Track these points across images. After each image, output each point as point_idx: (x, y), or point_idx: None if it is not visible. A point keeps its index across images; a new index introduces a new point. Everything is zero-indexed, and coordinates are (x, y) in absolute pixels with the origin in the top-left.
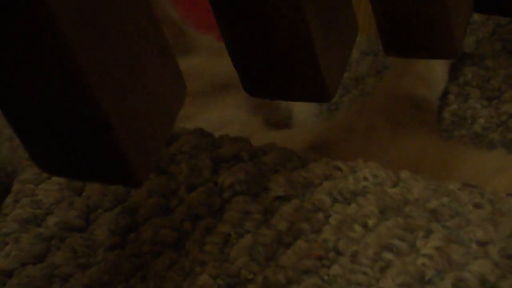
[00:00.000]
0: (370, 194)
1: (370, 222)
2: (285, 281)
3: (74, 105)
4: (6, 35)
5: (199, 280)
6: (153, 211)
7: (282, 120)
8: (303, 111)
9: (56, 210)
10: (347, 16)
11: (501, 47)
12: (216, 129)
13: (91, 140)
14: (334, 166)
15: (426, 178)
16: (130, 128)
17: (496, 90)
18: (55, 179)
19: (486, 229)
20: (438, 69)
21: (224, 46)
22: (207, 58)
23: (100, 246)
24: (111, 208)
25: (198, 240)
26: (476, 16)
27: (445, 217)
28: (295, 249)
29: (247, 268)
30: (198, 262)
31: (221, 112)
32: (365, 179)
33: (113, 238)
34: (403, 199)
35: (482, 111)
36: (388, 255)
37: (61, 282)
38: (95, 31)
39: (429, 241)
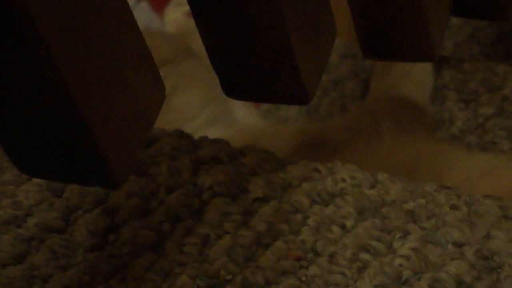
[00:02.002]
0: (348, 196)
1: (348, 223)
2: (264, 282)
3: (53, 107)
4: None
5: (178, 281)
6: (132, 212)
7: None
8: (240, 107)
9: (36, 212)
10: (325, 19)
11: (478, 51)
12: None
13: (70, 142)
14: (313, 167)
15: (404, 179)
16: (109, 130)
17: (473, 93)
18: (35, 180)
19: (462, 230)
20: (428, 70)
21: None
22: None
23: (80, 247)
24: (91, 210)
25: (178, 241)
26: (454, 20)
27: (422, 218)
28: (273, 250)
29: (226, 269)
30: (177, 263)
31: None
32: (343, 180)
33: (93, 240)
34: (380, 201)
35: (459, 113)
36: (365, 256)
37: (41, 283)
38: (74, 34)
39: (406, 242)
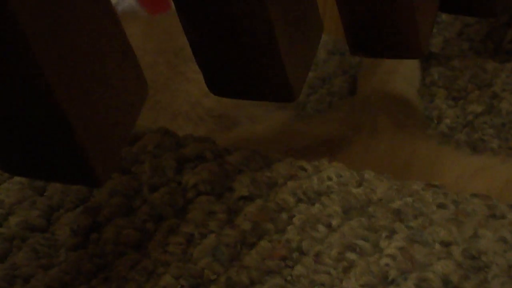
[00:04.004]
0: (334, 194)
1: (334, 222)
2: (249, 281)
3: (34, 104)
4: None
5: (162, 281)
6: (115, 211)
7: None
8: None
9: (18, 210)
10: (311, 15)
11: (468, 47)
12: None
13: (52, 140)
14: (299, 166)
15: (390, 178)
16: (91, 127)
17: (462, 90)
18: (16, 179)
19: (450, 229)
20: (415, 66)
21: None
22: None
23: (62, 246)
24: (73, 208)
25: (161, 240)
26: (444, 16)
27: (409, 217)
28: (258, 249)
29: (210, 268)
30: (161, 262)
31: None
32: (329, 179)
33: (75, 238)
34: (366, 199)
35: (448, 111)
36: (351, 255)
37: (23, 282)
38: (55, 31)
39: (393, 241)
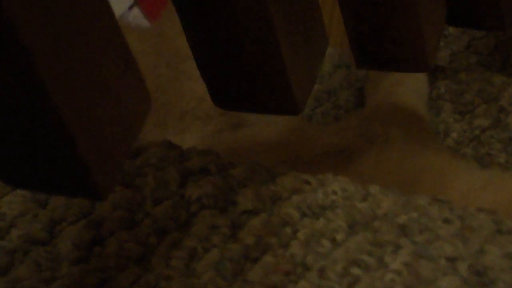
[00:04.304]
0: (339, 209)
1: (339, 237)
2: None
3: (37, 117)
4: None
5: None
6: (118, 224)
7: None
8: None
9: (20, 223)
10: (317, 28)
11: (475, 61)
12: None
13: (54, 152)
14: (303, 179)
15: (396, 192)
16: (93, 140)
17: (469, 104)
18: (19, 191)
19: (455, 244)
20: (423, 79)
21: None
22: None
23: (64, 260)
24: (76, 222)
25: (164, 254)
26: (451, 30)
27: (414, 232)
28: (262, 264)
29: (213, 283)
30: (163, 277)
31: None
32: (334, 193)
33: (78, 252)
34: (372, 214)
35: (455, 125)
36: (356, 271)
37: None
38: (57, 44)
39: (398, 256)
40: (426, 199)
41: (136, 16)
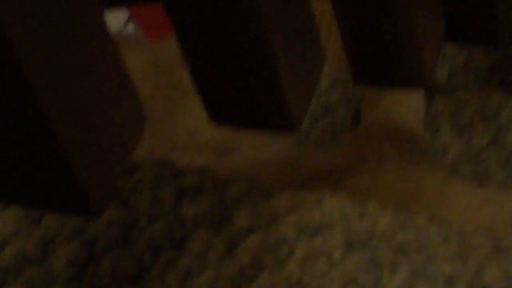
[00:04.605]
0: (336, 227)
1: (336, 256)
2: None
3: (31, 134)
4: None
5: None
6: (112, 242)
7: None
8: None
9: (13, 241)
10: (313, 45)
11: (473, 78)
12: None
13: (48, 170)
14: (300, 197)
15: (394, 210)
16: (88, 157)
17: (467, 121)
18: (12, 209)
19: (454, 264)
20: (420, 97)
21: None
22: None
23: (58, 278)
24: (70, 239)
25: (159, 273)
26: (449, 47)
27: (412, 251)
28: (258, 283)
29: None
30: None
31: None
32: (331, 211)
33: (71, 270)
34: (369, 232)
35: (453, 143)
36: None
37: None
38: (51, 60)
39: (395, 276)
40: (424, 217)
41: (132, 31)
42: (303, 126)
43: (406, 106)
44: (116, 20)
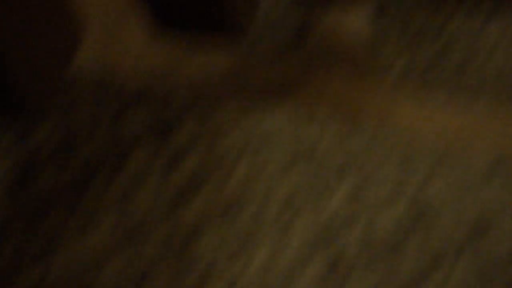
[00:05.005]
0: (284, 135)
1: (282, 166)
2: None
3: None
4: None
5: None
6: (49, 158)
7: None
8: None
9: None
10: None
11: None
12: None
13: None
14: (248, 107)
15: (343, 118)
16: (26, 71)
17: (414, 35)
18: None
19: (402, 170)
20: (368, 11)
21: None
22: None
23: None
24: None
25: (95, 194)
26: None
27: (360, 157)
28: (203, 194)
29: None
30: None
31: None
32: (280, 120)
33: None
34: (317, 141)
35: (400, 56)
36: (300, 198)
37: None
38: None
39: (343, 181)
40: (373, 125)
41: None
42: (249, 38)
43: (354, 20)
44: None
